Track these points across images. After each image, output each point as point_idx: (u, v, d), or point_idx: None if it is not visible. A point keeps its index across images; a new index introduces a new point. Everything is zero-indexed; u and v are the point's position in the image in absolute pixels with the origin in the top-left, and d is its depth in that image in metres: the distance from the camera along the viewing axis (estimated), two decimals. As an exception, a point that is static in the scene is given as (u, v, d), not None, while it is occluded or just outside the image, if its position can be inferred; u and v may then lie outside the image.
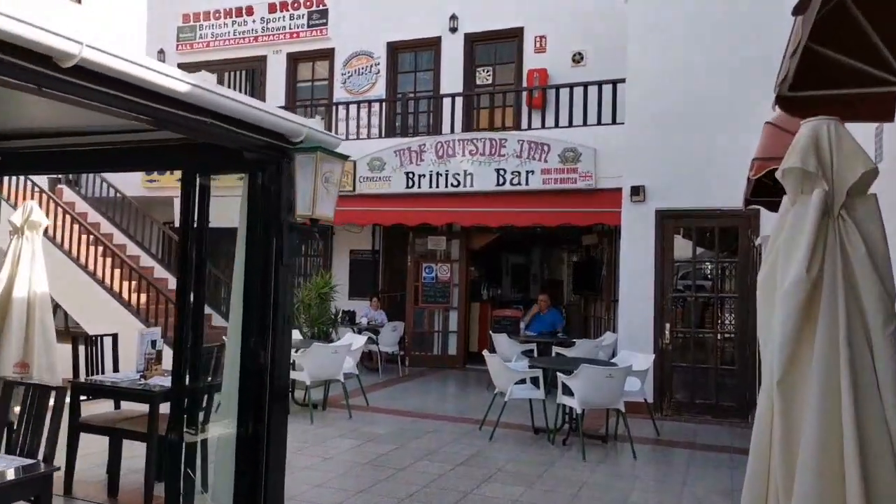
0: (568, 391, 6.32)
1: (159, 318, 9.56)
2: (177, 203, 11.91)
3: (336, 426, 6.94)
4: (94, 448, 4.91)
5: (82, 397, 4.66)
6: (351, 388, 8.28)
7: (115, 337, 5.18)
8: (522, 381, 6.88)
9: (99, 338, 5.05)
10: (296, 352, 7.42)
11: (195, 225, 4.15)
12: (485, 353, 6.81)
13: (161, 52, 13.87)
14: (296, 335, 8.60)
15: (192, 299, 4.07)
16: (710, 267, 8.57)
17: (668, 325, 7.98)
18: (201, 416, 4.53)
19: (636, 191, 8.15)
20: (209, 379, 4.52)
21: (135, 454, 4.68)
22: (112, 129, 3.96)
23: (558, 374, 6.35)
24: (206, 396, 4.52)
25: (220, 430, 3.91)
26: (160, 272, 11.43)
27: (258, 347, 3.75)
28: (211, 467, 4.16)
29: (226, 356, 4.02)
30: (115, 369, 5.09)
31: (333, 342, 8.55)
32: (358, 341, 8.24)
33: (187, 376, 4.01)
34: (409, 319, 11.52)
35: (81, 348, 4.90)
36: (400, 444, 6.33)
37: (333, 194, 3.97)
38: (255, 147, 3.69)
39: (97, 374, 5.01)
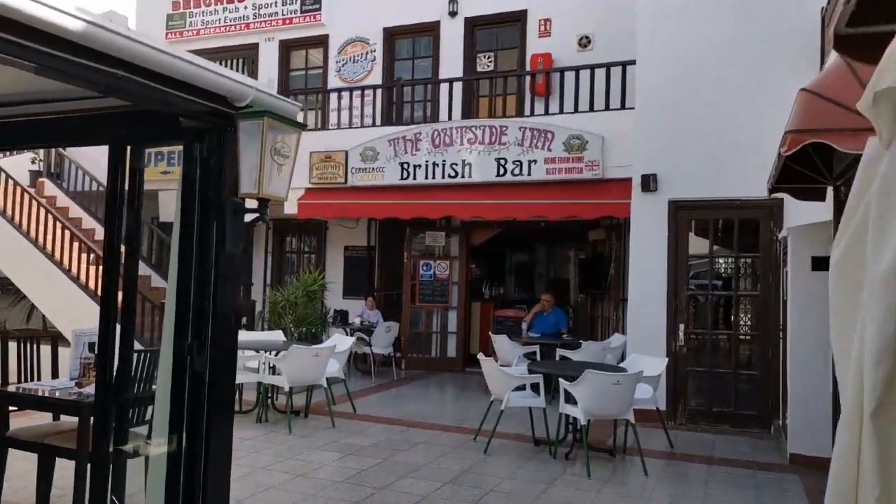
0: (571, 399, 5.68)
1: (143, 318, 8.98)
2: (162, 196, 11.36)
3: (316, 437, 6.32)
4: (30, 465, 4.32)
5: (11, 408, 4.07)
6: (338, 394, 7.68)
7: (54, 338, 4.58)
8: (522, 388, 6.24)
9: (36, 338, 4.45)
10: (275, 355, 6.82)
11: (125, 209, 3.54)
12: (480, 356, 6.17)
13: (150, 41, 13.31)
14: (280, 336, 7.99)
15: (120, 296, 3.47)
16: (725, 263, 7.89)
17: (682, 327, 7.31)
18: (144, 430, 3.95)
19: (647, 180, 7.50)
20: (150, 387, 3.91)
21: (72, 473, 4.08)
22: (33, 98, 3.37)
23: (560, 380, 5.71)
24: (148, 408, 3.92)
25: (153, 447, 3.30)
26: (143, 269, 10.87)
27: (193, 351, 3.14)
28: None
29: (160, 360, 3.41)
30: (55, 375, 4.50)
31: (323, 344, 7.93)
32: (344, 343, 7.62)
33: (114, 384, 3.42)
34: (405, 320, 10.90)
35: (13, 348, 4.30)
36: (384, 457, 5.70)
37: (287, 170, 3.35)
38: (191, 112, 3.08)
39: (34, 380, 4.41)
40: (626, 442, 6.13)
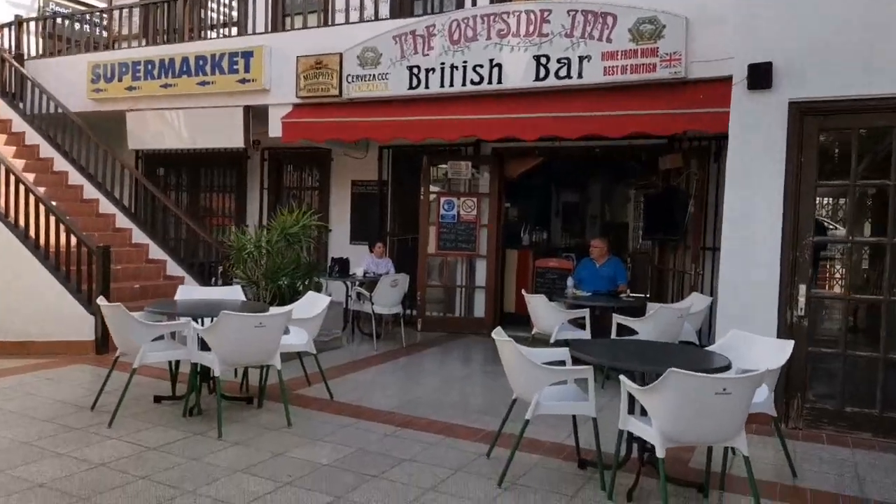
0: (639, 409, 3.50)
1: (81, 267, 7.12)
2: (129, 118, 9.38)
3: (256, 445, 4.32)
4: None
5: None
6: (312, 372, 5.70)
7: None
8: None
9: None
10: (203, 324, 4.81)
11: None
12: (495, 334, 3.98)
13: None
14: (237, 294, 5.98)
15: None
16: (873, 196, 5.43)
17: (802, 289, 4.95)
18: None
19: (757, 73, 5.02)
20: None
21: None
22: None
23: (623, 380, 3.50)
24: None
25: None
26: (121, 220, 8.98)
27: None
28: None
29: None
30: None
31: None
32: (317, 304, 5.55)
33: None
34: (422, 271, 8.80)
35: None
36: (340, 494, 3.65)
37: None
38: None
39: None
40: (726, 466, 3.95)
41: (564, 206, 12.21)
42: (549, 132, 6.82)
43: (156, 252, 8.72)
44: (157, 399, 5.14)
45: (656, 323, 5.70)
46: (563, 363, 4.17)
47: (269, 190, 10.35)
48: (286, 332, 5.48)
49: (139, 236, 8.80)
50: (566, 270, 9.22)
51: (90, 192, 9.06)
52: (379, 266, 8.50)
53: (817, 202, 5.14)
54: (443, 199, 8.87)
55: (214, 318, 4.54)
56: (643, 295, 8.36)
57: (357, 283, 8.06)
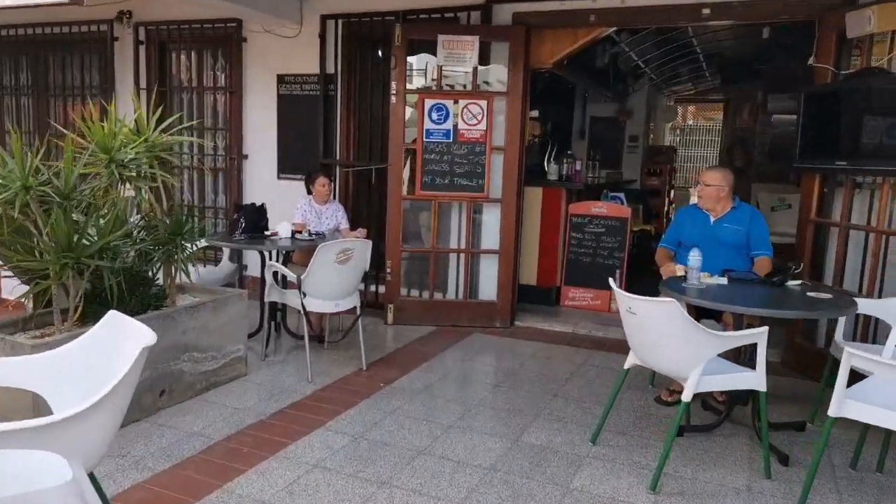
0: None
1: None
2: None
3: None
4: None
5: None
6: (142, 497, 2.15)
7: None
8: None
9: None
10: None
11: None
12: None
13: None
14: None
15: None
16: None
17: None
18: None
19: None
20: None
21: None
22: None
23: None
24: None
25: None
26: None
27: None
28: None
29: None
30: None
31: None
32: (109, 367, 1.98)
33: None
34: (392, 225, 5.25)
35: None
36: None
37: None
38: None
39: None
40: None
41: (592, 123, 8.58)
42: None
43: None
44: None
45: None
46: None
47: (147, 90, 6.53)
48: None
49: None
50: (620, 221, 5.84)
51: None
52: (322, 218, 4.93)
53: None
54: (429, 103, 5.22)
55: None
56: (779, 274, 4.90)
57: (276, 251, 4.48)
